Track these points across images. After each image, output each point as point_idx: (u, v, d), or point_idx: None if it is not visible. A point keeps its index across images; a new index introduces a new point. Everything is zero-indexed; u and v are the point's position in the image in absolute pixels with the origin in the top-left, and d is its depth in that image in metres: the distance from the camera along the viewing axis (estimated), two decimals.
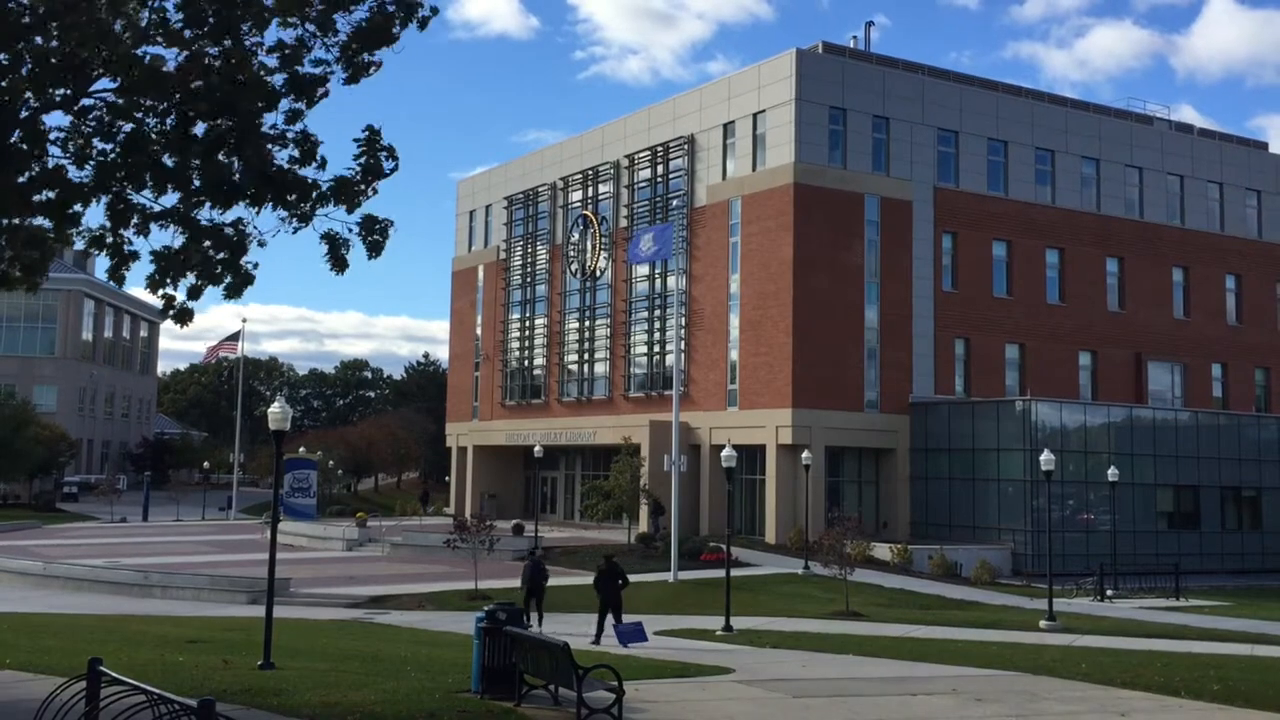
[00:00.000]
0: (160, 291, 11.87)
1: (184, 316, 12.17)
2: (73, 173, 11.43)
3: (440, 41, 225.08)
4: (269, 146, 11.58)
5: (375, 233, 11.98)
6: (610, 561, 26.17)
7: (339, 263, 12.13)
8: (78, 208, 11.63)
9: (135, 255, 11.87)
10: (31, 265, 12.29)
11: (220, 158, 11.42)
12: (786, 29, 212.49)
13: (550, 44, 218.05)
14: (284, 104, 11.65)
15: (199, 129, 11.37)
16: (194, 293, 11.98)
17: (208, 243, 11.67)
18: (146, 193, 11.53)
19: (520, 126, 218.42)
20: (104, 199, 11.49)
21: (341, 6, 11.26)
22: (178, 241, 11.68)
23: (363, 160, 11.84)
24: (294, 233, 11.98)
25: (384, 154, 11.88)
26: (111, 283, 12.18)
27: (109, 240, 11.68)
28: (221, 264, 11.83)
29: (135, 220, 11.65)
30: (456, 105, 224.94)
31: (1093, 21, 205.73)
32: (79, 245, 12.50)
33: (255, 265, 12.14)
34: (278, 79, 11.55)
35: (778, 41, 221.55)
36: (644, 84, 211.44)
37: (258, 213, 11.78)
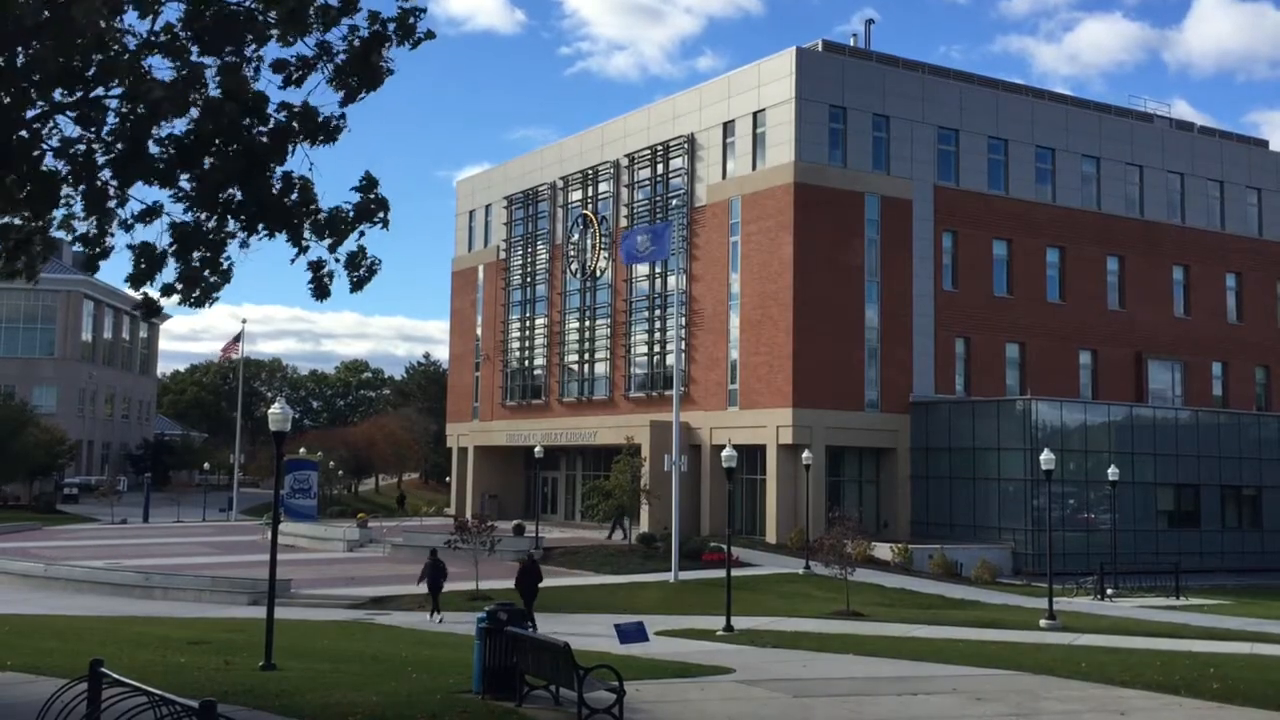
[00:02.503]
0: (140, 290, 11.91)
1: (152, 310, 12.28)
2: (53, 164, 11.41)
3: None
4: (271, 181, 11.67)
5: (360, 269, 12.08)
6: (531, 560, 29.67)
7: (321, 290, 12.22)
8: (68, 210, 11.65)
9: (110, 249, 11.91)
10: (29, 265, 12.30)
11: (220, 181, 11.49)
12: (776, 24, 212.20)
13: (537, 39, 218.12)
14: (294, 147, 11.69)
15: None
16: (167, 290, 12.01)
17: (188, 241, 11.70)
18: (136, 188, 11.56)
19: (509, 123, 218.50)
20: (81, 188, 11.47)
21: (335, 20, 11.19)
22: (164, 240, 11.71)
23: (358, 202, 11.95)
24: (291, 261, 12.14)
25: (374, 203, 11.95)
26: (90, 274, 12.25)
27: (91, 234, 11.70)
28: (203, 261, 11.85)
29: (121, 218, 11.67)
30: (443, 102, 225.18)
31: (1082, 15, 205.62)
32: (61, 235, 12.43)
33: (230, 262, 12.15)
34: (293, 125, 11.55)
35: (768, 37, 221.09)
36: (632, 80, 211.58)
37: (249, 237, 11.87)
